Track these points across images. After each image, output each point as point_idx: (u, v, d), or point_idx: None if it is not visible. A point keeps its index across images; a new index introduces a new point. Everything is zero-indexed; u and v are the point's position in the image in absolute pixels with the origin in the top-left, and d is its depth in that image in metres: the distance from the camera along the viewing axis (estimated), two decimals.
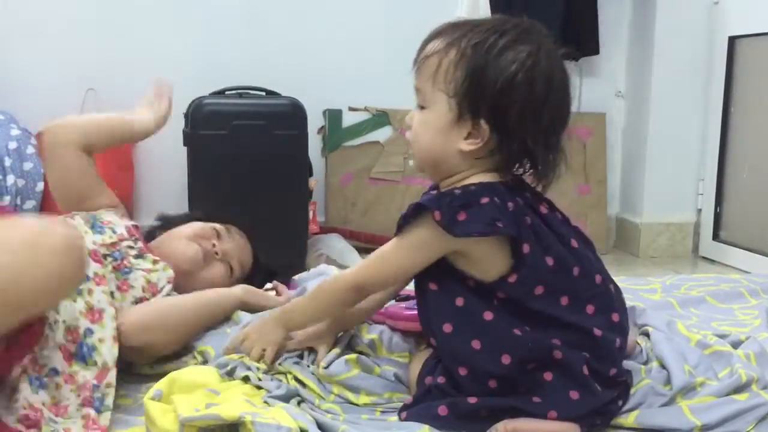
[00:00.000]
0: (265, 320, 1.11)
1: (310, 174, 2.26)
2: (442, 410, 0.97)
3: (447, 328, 0.97)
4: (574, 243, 1.01)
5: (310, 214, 2.26)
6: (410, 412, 0.99)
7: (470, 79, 0.94)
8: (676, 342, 1.21)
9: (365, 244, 2.37)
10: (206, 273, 1.37)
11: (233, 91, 2.18)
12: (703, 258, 2.50)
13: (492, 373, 0.95)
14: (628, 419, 1.00)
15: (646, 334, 1.27)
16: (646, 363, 1.18)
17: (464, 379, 0.97)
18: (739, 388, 1.07)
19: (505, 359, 0.95)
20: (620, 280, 1.76)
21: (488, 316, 0.96)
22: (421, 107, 1.01)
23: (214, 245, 1.39)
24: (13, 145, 2.14)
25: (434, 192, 1.01)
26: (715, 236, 2.48)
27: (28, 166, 2.16)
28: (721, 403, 1.03)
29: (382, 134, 2.51)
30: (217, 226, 1.45)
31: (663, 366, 1.14)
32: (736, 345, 1.24)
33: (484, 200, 0.94)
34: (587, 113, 2.61)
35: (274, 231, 2.05)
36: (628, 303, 1.46)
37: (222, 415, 0.89)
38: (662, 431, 1.00)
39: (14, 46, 2.33)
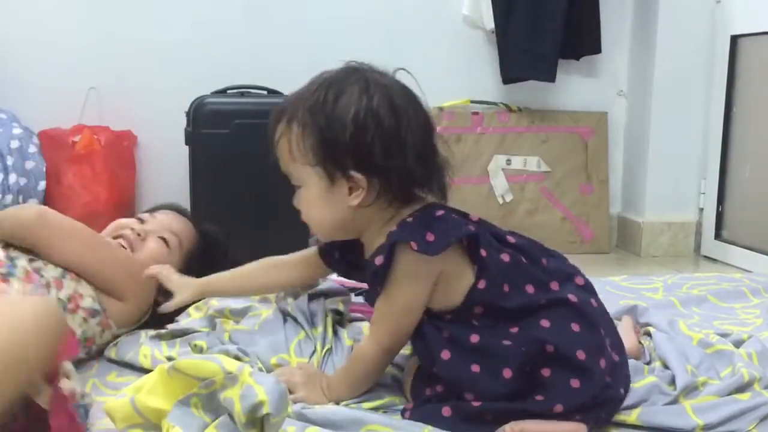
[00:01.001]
0: (315, 387, 1.06)
1: None
2: (446, 411, 0.96)
3: (445, 355, 0.98)
4: (510, 239, 1.05)
5: None
6: (413, 412, 0.99)
7: (321, 142, 0.95)
8: (678, 342, 1.21)
9: None
10: (141, 254, 1.36)
11: (235, 90, 2.18)
12: (705, 257, 2.50)
13: (497, 391, 0.95)
14: (631, 416, 1.00)
15: (648, 334, 1.27)
16: (649, 363, 1.18)
17: (473, 401, 0.96)
18: (741, 388, 1.07)
19: (507, 373, 0.95)
20: (622, 279, 1.78)
21: (474, 338, 0.97)
22: (298, 187, 1.02)
23: (133, 229, 1.39)
24: (15, 144, 2.14)
25: (393, 230, 0.98)
26: (717, 235, 2.48)
27: (29, 164, 2.16)
28: (723, 403, 1.03)
29: None
30: (142, 215, 1.48)
31: (666, 366, 1.14)
32: (738, 344, 1.24)
33: (439, 213, 0.97)
34: (589, 112, 2.61)
35: (275, 230, 2.05)
36: (630, 302, 1.48)
37: (223, 362, 0.88)
38: (665, 430, 1.00)
39: (16, 46, 2.33)
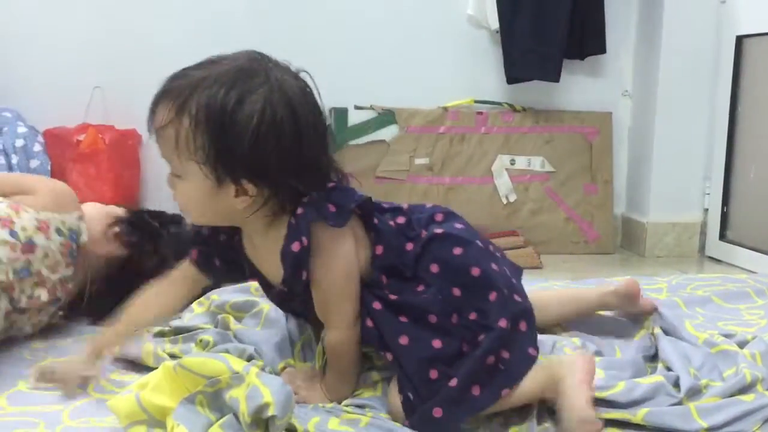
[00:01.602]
0: (315, 388, 1.06)
1: None
2: (437, 412, 0.96)
3: (403, 340, 0.98)
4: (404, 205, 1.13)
5: None
6: (411, 420, 0.98)
7: (215, 145, 0.90)
8: (680, 345, 1.21)
9: None
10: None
11: None
12: (710, 258, 2.49)
13: (459, 353, 0.98)
14: (637, 416, 1.00)
15: (652, 333, 1.27)
16: (652, 360, 1.19)
17: (435, 379, 0.97)
18: (744, 389, 1.07)
19: (455, 318, 0.99)
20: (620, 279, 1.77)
21: (377, 305, 1.01)
22: (176, 176, 0.97)
23: None
24: (20, 142, 2.15)
25: (300, 212, 0.97)
26: (722, 236, 2.47)
27: (34, 163, 2.17)
28: (727, 404, 1.03)
29: (388, 133, 2.51)
30: None
31: (669, 369, 1.14)
32: (742, 345, 1.24)
33: (331, 185, 0.97)
34: (593, 112, 2.60)
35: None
36: None
37: (230, 361, 0.88)
38: (669, 431, 1.00)
39: (21, 45, 2.33)
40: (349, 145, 2.49)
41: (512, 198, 2.56)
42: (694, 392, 1.07)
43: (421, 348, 0.97)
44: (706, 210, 2.54)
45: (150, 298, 1.11)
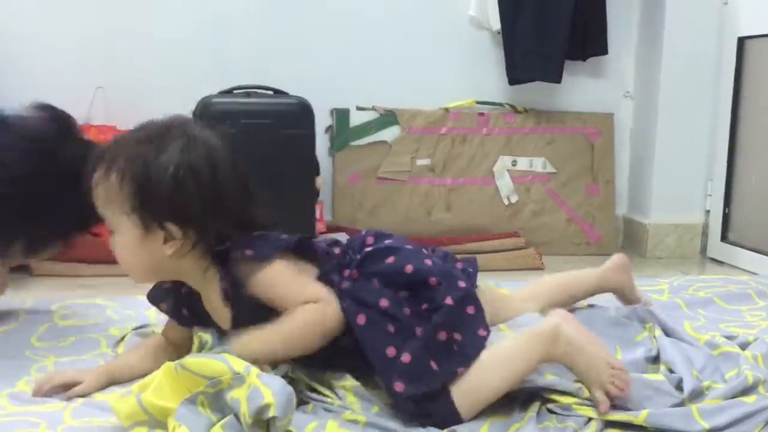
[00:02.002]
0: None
1: (317, 173, 2.26)
2: (399, 386, 0.98)
3: (360, 319, 1.01)
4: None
5: (317, 213, 2.26)
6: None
7: (139, 193, 0.98)
8: (681, 347, 1.21)
9: None
10: None
11: (241, 91, 2.18)
12: (711, 259, 2.49)
13: (413, 334, 1.02)
14: (639, 417, 1.00)
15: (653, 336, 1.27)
16: (654, 362, 1.19)
17: (392, 357, 1.00)
18: (746, 390, 1.07)
19: (407, 311, 1.03)
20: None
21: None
22: (111, 231, 1.04)
23: None
24: None
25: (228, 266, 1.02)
26: (724, 237, 2.47)
27: None
28: (729, 406, 1.03)
29: (390, 134, 2.51)
30: None
31: (671, 371, 1.14)
32: (743, 346, 1.24)
33: (254, 236, 1.03)
34: (595, 113, 2.60)
35: (280, 230, 2.05)
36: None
37: (230, 362, 0.89)
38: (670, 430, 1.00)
39: (24, 45, 2.34)
40: (351, 146, 2.49)
41: (514, 199, 2.56)
42: (697, 394, 1.07)
43: (378, 330, 1.01)
44: (708, 211, 2.54)
45: (154, 353, 1.16)
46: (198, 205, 0.98)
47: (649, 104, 2.56)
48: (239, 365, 0.89)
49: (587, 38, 2.51)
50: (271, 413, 0.84)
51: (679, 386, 1.09)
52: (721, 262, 2.44)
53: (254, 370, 0.89)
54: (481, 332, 1.06)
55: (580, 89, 2.60)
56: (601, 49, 2.53)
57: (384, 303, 1.02)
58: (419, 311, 1.03)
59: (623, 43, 2.60)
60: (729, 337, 1.28)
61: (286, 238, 1.04)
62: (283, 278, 1.01)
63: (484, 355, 1.03)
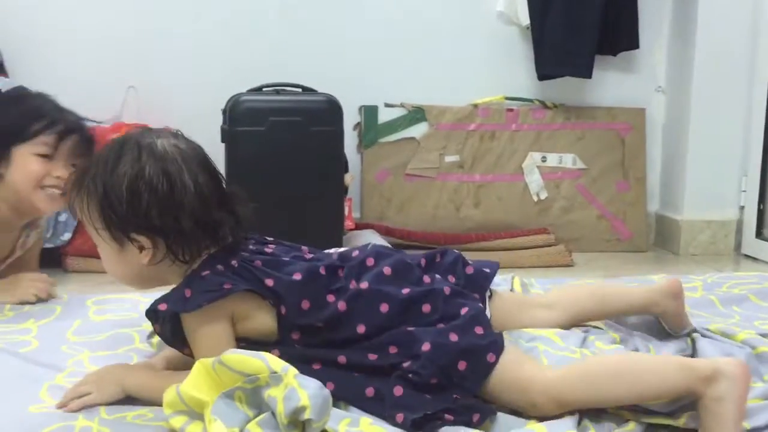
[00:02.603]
0: (107, 372, 1.08)
1: (346, 170, 2.27)
2: (369, 392, 0.99)
3: (369, 392, 1.00)
4: (307, 254, 1.12)
5: (346, 210, 2.27)
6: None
7: (102, 209, 1.02)
8: (722, 346, 1.18)
9: (401, 240, 2.37)
10: None
11: (270, 88, 2.20)
12: (746, 256, 2.45)
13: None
14: (680, 420, 0.99)
15: (692, 339, 1.25)
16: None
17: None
18: None
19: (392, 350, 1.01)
20: (660, 277, 1.75)
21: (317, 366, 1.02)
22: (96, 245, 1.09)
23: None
24: None
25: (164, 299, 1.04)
26: (759, 234, 2.43)
27: None
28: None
29: (418, 130, 2.51)
30: None
31: None
32: None
33: (205, 273, 1.02)
34: (626, 108, 2.57)
35: (309, 227, 2.06)
36: None
37: (269, 360, 0.90)
38: None
39: (57, 46, 2.38)
40: (380, 142, 2.49)
41: (543, 195, 2.54)
42: None
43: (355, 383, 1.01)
44: (742, 207, 2.50)
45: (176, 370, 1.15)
46: (157, 213, 1.01)
47: (681, 99, 2.52)
48: (277, 364, 0.90)
49: (618, 32, 2.48)
50: (306, 415, 0.85)
51: None
52: (755, 259, 2.40)
53: (291, 370, 0.89)
54: (490, 358, 1.00)
55: (611, 84, 2.57)
56: (633, 43, 2.50)
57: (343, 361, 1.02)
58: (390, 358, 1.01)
59: (655, 37, 2.57)
60: (764, 335, 1.26)
61: (214, 294, 1.00)
62: (193, 335, 1.02)
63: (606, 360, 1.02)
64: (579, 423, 0.98)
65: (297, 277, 1.03)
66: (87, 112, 2.32)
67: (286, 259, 1.07)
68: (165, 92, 2.41)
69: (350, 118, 2.36)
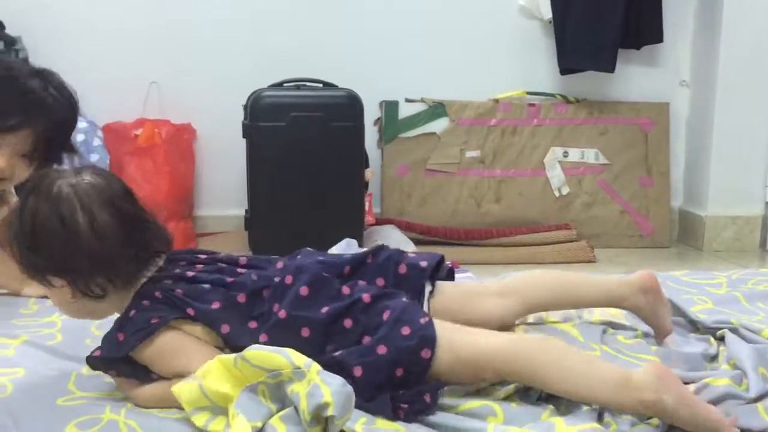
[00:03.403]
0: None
1: (367, 165, 2.27)
2: (357, 371, 0.98)
3: (347, 323, 1.02)
4: (240, 270, 1.11)
5: (366, 205, 2.27)
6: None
7: (22, 257, 1.05)
8: (750, 346, 1.16)
9: (421, 235, 2.37)
10: None
11: (291, 84, 2.20)
12: None
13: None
14: None
15: (721, 338, 1.23)
16: (712, 360, 1.15)
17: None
18: None
19: None
20: (683, 273, 1.73)
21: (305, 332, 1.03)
22: None
23: None
24: (80, 137, 2.21)
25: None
26: None
27: (94, 157, 2.23)
28: None
29: (439, 125, 2.50)
30: None
31: (736, 368, 1.10)
32: None
33: (132, 313, 1.03)
34: (650, 103, 2.54)
35: (330, 222, 2.07)
36: (691, 297, 1.44)
37: (291, 356, 0.90)
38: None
39: (80, 43, 2.40)
40: (400, 138, 2.49)
41: (565, 191, 2.52)
42: (763, 396, 1.03)
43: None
44: None
45: None
46: (55, 253, 1.02)
47: (706, 93, 2.49)
48: (300, 360, 0.91)
49: (642, 26, 2.45)
50: (329, 412, 0.85)
51: (742, 382, 1.05)
52: None
53: (315, 366, 0.90)
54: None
55: (634, 78, 2.55)
56: (656, 36, 2.47)
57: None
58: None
59: (679, 31, 2.53)
60: None
61: (144, 331, 1.01)
62: (152, 362, 1.03)
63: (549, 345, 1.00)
64: (600, 417, 0.97)
65: (215, 306, 1.04)
66: (111, 109, 2.37)
67: (206, 286, 1.06)
68: (187, 88, 2.43)
69: (371, 114, 2.36)
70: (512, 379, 1.00)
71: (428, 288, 1.12)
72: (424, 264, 1.11)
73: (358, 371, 0.97)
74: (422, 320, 1.00)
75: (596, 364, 1.00)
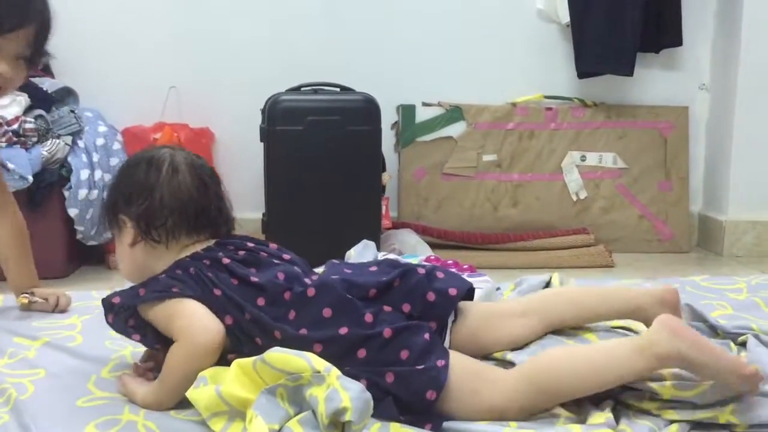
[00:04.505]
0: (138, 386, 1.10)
1: (384, 169, 2.27)
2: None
3: (361, 354, 1.01)
4: (277, 261, 1.14)
5: (383, 209, 2.27)
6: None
7: (108, 196, 1.17)
8: None
9: (438, 239, 2.36)
10: None
11: (308, 88, 2.21)
12: None
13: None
14: (724, 412, 0.96)
15: (742, 344, 1.22)
16: None
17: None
18: None
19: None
20: (703, 278, 1.72)
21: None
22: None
23: None
24: (100, 141, 2.23)
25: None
26: None
27: (114, 161, 2.25)
28: None
29: (456, 129, 2.50)
30: None
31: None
32: None
33: (161, 276, 1.09)
34: (669, 107, 2.53)
35: (347, 225, 2.07)
36: (711, 303, 1.43)
37: (312, 360, 0.90)
38: (759, 425, 0.96)
39: (101, 48, 2.43)
40: (417, 141, 2.49)
41: (582, 195, 2.51)
42: None
43: None
44: None
45: None
46: (134, 193, 1.11)
47: (726, 96, 2.47)
48: (320, 364, 0.91)
49: (661, 29, 2.43)
50: (347, 417, 0.85)
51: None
52: None
53: (334, 371, 0.90)
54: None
55: (653, 82, 2.53)
56: (676, 40, 2.46)
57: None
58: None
59: (699, 33, 2.52)
60: None
61: (161, 294, 1.06)
62: (156, 319, 1.07)
63: (557, 353, 1.00)
64: (617, 423, 0.97)
65: (216, 292, 1.07)
66: (130, 113, 2.39)
67: (234, 282, 1.08)
68: (206, 92, 2.45)
69: (388, 118, 2.36)
70: (540, 408, 0.99)
71: (451, 318, 1.11)
72: (453, 292, 1.09)
73: (363, 383, 0.95)
74: (439, 363, 0.98)
75: (603, 346, 1.01)
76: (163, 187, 1.12)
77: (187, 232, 1.13)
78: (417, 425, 0.96)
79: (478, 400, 0.98)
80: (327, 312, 1.03)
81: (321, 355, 0.98)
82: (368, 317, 1.04)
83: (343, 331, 1.01)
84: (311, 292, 1.05)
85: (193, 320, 1.03)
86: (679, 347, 0.93)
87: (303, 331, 1.02)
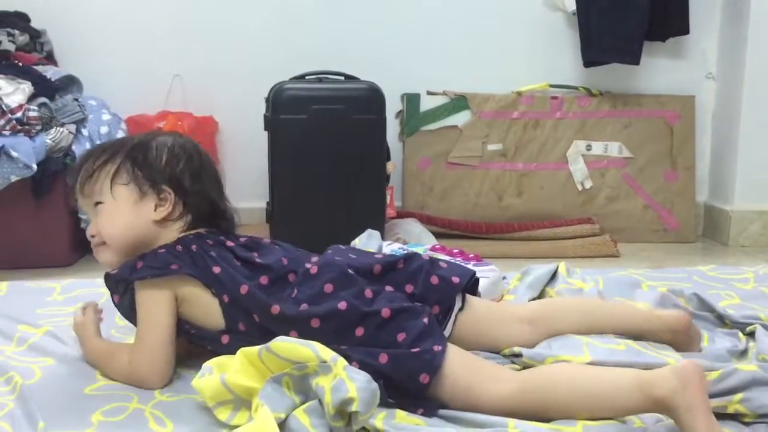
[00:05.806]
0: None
1: (388, 158, 2.26)
2: (383, 358, 0.98)
3: (359, 332, 1.02)
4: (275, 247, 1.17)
5: (387, 198, 2.26)
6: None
7: (135, 161, 1.14)
8: None
9: (442, 229, 2.36)
10: None
11: (313, 76, 2.20)
12: None
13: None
14: (732, 401, 0.96)
15: (751, 334, 1.22)
16: (741, 356, 1.14)
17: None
18: None
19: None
20: (710, 268, 1.71)
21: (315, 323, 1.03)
22: (98, 203, 1.14)
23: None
24: (104, 129, 2.22)
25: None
26: None
27: None
28: None
29: (461, 118, 2.49)
30: None
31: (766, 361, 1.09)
32: None
33: (161, 250, 1.09)
34: (675, 96, 2.51)
35: (351, 215, 2.07)
36: (718, 293, 1.42)
37: (318, 349, 0.91)
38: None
39: (104, 36, 2.42)
40: (421, 131, 2.48)
41: (588, 185, 2.50)
42: None
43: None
44: None
45: None
46: (188, 176, 1.15)
47: (732, 86, 2.45)
48: (326, 354, 0.91)
49: (667, 17, 2.41)
50: (354, 408, 0.86)
51: None
52: None
53: (341, 361, 0.90)
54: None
55: (660, 71, 2.52)
56: (683, 28, 2.44)
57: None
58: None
59: (706, 22, 2.50)
60: None
61: (160, 270, 1.07)
62: (138, 303, 1.09)
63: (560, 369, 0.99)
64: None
65: (216, 270, 1.08)
66: (134, 101, 2.39)
67: (237, 263, 1.10)
68: (209, 81, 2.44)
69: (392, 106, 2.35)
70: (528, 417, 0.96)
71: (458, 304, 1.11)
72: (456, 280, 1.10)
73: (355, 366, 0.95)
74: (435, 347, 0.98)
75: (608, 376, 0.96)
76: (211, 180, 1.18)
77: (199, 214, 1.16)
78: (407, 410, 0.95)
79: (471, 397, 0.98)
80: (328, 287, 1.05)
81: (318, 330, 1.00)
82: (368, 293, 1.05)
83: (342, 306, 1.02)
84: (314, 270, 1.07)
85: (154, 357, 1.06)
86: (676, 399, 0.88)
87: (303, 306, 1.03)
